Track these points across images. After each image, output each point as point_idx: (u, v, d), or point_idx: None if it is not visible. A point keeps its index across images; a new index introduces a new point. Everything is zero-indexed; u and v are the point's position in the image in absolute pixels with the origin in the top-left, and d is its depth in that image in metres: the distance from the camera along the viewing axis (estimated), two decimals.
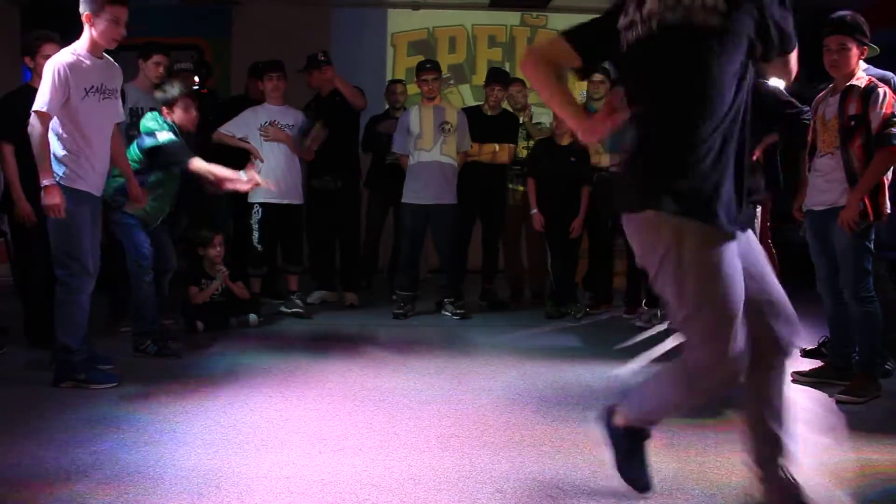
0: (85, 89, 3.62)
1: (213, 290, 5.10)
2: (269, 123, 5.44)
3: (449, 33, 8.32)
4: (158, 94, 4.52)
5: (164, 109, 4.48)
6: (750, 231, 2.26)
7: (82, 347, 3.69)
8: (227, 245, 5.27)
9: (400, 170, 5.74)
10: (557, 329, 5.33)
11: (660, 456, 2.87)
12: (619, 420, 2.45)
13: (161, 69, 4.95)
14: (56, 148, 3.61)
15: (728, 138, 2.07)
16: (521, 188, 6.01)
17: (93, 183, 3.72)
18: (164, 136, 4.37)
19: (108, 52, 3.82)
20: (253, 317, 5.21)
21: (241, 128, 5.45)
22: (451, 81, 8.25)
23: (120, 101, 3.93)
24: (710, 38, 2.03)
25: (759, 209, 4.31)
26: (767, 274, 2.24)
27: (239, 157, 5.49)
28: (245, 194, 5.50)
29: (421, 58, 6.67)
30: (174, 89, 4.47)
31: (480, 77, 7.77)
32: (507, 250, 6.22)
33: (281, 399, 3.55)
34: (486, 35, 8.35)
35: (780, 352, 2.24)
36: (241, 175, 4.56)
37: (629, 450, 2.45)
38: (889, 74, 3.85)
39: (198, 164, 4.40)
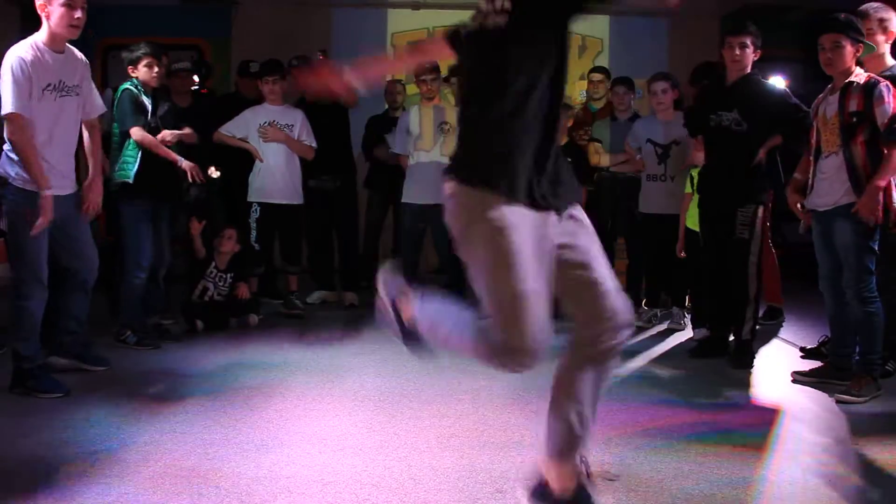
0: (41, 88, 3.41)
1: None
2: (269, 124, 5.44)
3: None
4: (124, 54, 4.52)
5: (130, 68, 4.48)
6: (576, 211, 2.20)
7: (35, 355, 3.55)
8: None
9: (400, 170, 5.74)
10: (557, 329, 5.31)
11: (660, 455, 2.88)
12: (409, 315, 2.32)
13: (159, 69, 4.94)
14: (10, 148, 3.44)
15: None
16: None
17: (54, 184, 3.52)
18: (123, 90, 4.43)
19: (80, 46, 3.69)
20: (253, 317, 5.21)
21: (240, 128, 5.45)
22: (451, 81, 8.23)
23: (88, 96, 3.70)
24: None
25: (760, 209, 4.30)
26: (595, 252, 2.22)
27: (239, 157, 5.50)
28: (243, 194, 5.51)
29: None
30: (139, 49, 4.47)
31: None
32: None
33: (281, 399, 3.55)
34: None
35: (604, 337, 2.21)
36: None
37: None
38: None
39: (139, 134, 4.42)
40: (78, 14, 3.43)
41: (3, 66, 3.37)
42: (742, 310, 4.29)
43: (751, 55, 4.23)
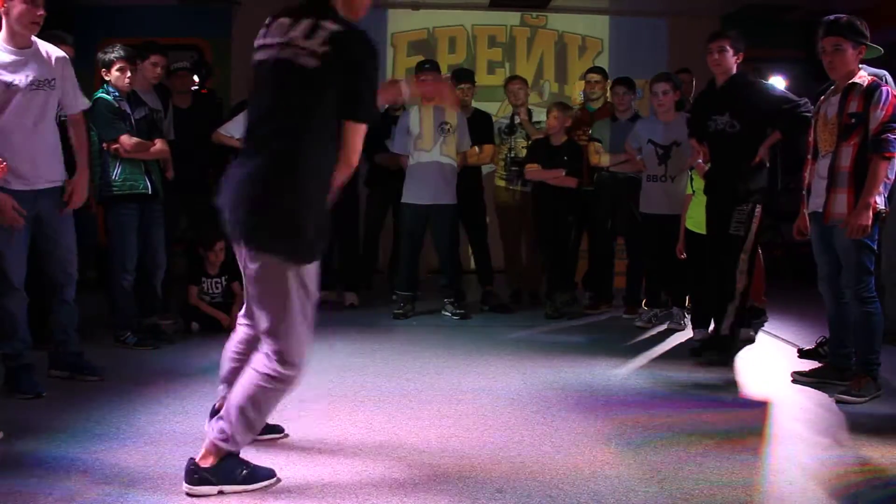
0: (5, 83, 3.35)
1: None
2: None
3: (449, 33, 8.31)
4: (99, 56, 4.40)
5: (103, 71, 4.37)
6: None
7: (15, 354, 3.53)
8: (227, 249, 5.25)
9: (400, 169, 5.74)
10: (557, 329, 5.33)
11: (660, 456, 2.88)
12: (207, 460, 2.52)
13: (159, 69, 4.94)
14: None
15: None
16: (520, 188, 6.00)
17: (24, 182, 3.45)
18: (96, 99, 4.31)
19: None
20: None
21: (239, 128, 5.42)
22: (451, 82, 8.24)
23: (68, 91, 3.64)
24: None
25: (758, 208, 4.31)
26: None
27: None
28: None
29: (421, 58, 6.67)
30: (112, 52, 4.36)
31: (481, 77, 7.77)
32: (507, 249, 6.21)
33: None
34: (486, 35, 8.34)
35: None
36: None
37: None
38: (882, 72, 3.87)
39: (129, 142, 4.36)
40: (40, 11, 3.37)
41: None
42: (724, 305, 4.32)
43: (731, 58, 4.33)
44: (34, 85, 3.45)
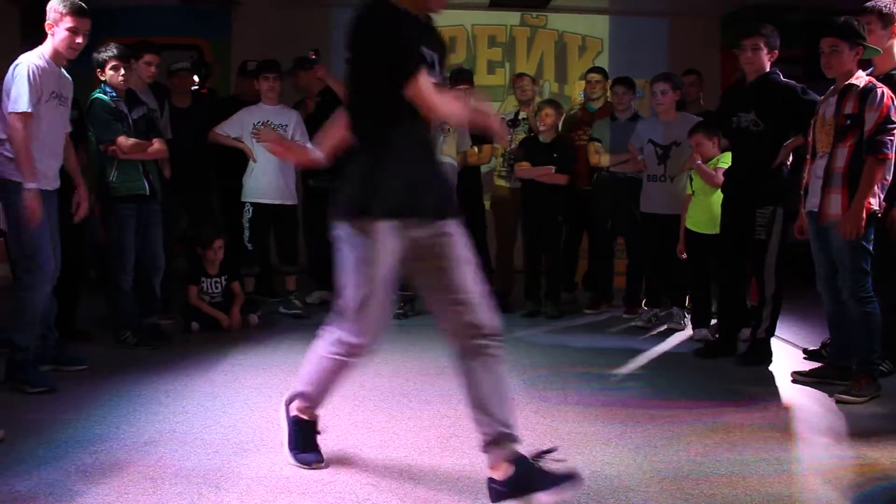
0: (48, 94, 3.67)
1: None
2: (262, 124, 5.40)
3: (449, 33, 8.31)
4: (94, 55, 4.40)
5: (98, 71, 4.40)
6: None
7: (29, 347, 3.63)
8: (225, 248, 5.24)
9: None
10: (557, 329, 5.33)
11: (659, 456, 2.88)
12: (294, 409, 2.82)
13: (153, 68, 4.94)
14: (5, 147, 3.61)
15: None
16: (510, 185, 5.97)
17: (47, 183, 3.73)
18: (94, 100, 4.39)
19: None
20: (253, 316, 5.21)
21: (235, 128, 5.44)
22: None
23: (69, 110, 3.93)
24: None
25: (780, 210, 4.28)
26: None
27: (235, 156, 5.49)
28: (238, 193, 5.50)
29: None
30: (106, 52, 4.38)
31: (481, 77, 7.78)
32: (500, 247, 6.15)
33: (280, 399, 3.53)
34: (486, 35, 8.35)
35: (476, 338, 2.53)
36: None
37: (302, 437, 2.77)
38: None
39: (126, 143, 4.39)
40: (79, 40, 3.68)
41: (17, 69, 3.59)
42: (759, 310, 4.34)
43: (765, 56, 4.26)
44: (62, 100, 3.79)
